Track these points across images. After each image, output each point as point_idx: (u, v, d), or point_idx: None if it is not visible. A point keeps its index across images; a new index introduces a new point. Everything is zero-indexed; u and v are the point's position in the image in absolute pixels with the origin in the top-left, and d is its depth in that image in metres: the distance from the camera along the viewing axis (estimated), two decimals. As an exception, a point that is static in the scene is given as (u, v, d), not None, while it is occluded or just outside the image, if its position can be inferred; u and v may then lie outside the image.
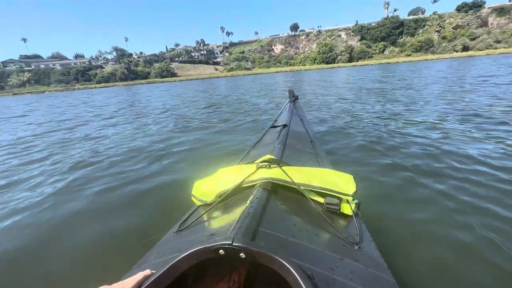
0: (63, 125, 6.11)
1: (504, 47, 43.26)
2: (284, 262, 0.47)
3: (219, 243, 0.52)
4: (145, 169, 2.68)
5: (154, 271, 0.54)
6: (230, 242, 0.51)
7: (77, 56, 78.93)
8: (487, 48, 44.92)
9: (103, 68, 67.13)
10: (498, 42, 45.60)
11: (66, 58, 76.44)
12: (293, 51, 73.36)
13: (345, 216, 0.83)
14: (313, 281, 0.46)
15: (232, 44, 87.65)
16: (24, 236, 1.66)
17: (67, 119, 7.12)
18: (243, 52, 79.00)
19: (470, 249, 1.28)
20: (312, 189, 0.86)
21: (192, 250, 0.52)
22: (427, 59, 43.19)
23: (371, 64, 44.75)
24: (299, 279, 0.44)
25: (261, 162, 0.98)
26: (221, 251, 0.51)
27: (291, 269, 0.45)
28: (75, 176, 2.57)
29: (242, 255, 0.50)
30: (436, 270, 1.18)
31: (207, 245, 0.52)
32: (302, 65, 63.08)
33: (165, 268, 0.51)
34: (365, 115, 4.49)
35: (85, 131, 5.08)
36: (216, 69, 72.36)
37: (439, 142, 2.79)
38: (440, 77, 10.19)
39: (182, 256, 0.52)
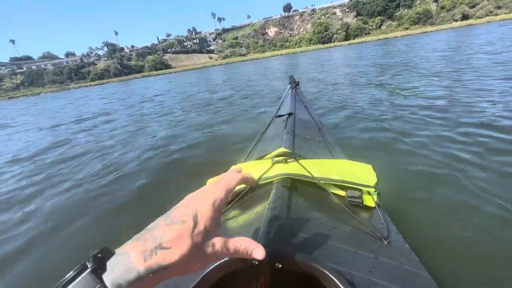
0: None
1: (505, 13, 41.82)
2: (325, 271, 0.44)
3: None
4: (144, 166, 2.68)
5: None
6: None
7: (68, 55, 77.47)
8: (487, 15, 43.45)
9: (96, 65, 66.02)
10: (499, 8, 44.08)
11: (57, 57, 75.10)
12: (288, 33, 71.45)
13: (368, 208, 0.81)
14: (355, 287, 0.44)
15: (225, 30, 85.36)
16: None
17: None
18: (236, 38, 77.09)
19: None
20: (332, 182, 0.82)
21: (221, 261, 0.48)
22: (426, 32, 42.01)
23: (368, 41, 43.66)
24: (342, 287, 0.42)
25: (276, 156, 0.94)
26: (254, 261, 0.47)
27: (333, 277, 0.43)
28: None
29: (278, 265, 0.46)
30: (467, 256, 1.14)
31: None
32: (298, 46, 61.66)
33: (194, 283, 0.48)
34: (368, 98, 4.41)
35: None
36: (211, 58, 70.95)
37: (458, 122, 2.64)
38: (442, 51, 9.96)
39: (210, 268, 0.48)
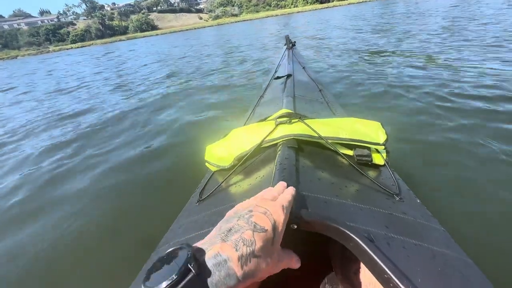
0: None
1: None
2: (342, 229, 0.44)
3: None
4: (139, 135, 2.60)
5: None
6: None
7: (42, 13, 70.32)
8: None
9: (75, 24, 60.53)
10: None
11: (30, 16, 68.07)
12: (284, -10, 65.86)
13: (377, 166, 0.79)
14: (375, 244, 0.43)
15: (215, -14, 77.87)
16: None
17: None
18: (228, -5, 70.82)
19: None
20: (340, 141, 0.80)
21: None
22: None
23: (369, 1, 40.91)
24: (362, 244, 0.42)
25: (280, 117, 0.89)
26: None
27: (351, 234, 0.43)
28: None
29: (293, 226, 0.45)
30: (478, 212, 1.16)
31: None
32: (294, 6, 57.47)
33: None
34: (369, 56, 4.28)
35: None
36: (201, 18, 65.85)
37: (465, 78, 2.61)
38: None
39: None
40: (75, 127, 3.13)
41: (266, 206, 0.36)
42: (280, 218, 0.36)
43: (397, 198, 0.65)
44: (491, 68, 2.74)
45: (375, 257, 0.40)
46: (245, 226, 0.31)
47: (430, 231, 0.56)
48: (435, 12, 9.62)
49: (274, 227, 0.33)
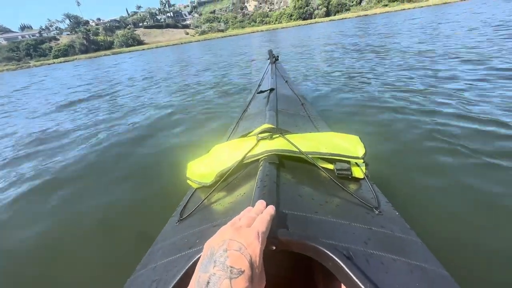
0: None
1: (477, -8, 43.10)
2: (321, 248, 0.43)
3: None
4: (122, 150, 2.53)
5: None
6: None
7: (23, 28, 68.89)
8: (461, -6, 44.60)
9: (58, 39, 59.59)
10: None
11: (10, 31, 66.48)
12: (268, 7, 68.56)
13: (357, 180, 0.80)
14: (353, 262, 0.43)
15: (201, 3, 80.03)
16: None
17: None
18: (214, 12, 72.79)
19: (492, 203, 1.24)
20: (321, 156, 0.80)
21: None
22: (404, 9, 42.46)
23: (349, 18, 43.37)
24: (340, 263, 0.41)
25: (261, 133, 0.89)
26: None
27: (330, 253, 0.42)
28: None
29: (272, 247, 0.44)
30: (451, 221, 1.19)
31: None
32: (278, 22, 59.84)
33: (181, 274, 0.45)
34: (349, 71, 4.47)
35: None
36: (187, 33, 66.80)
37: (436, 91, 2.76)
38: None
39: (198, 256, 0.46)
40: (47, 138, 3.04)
41: (241, 239, 0.36)
42: (256, 250, 0.35)
43: (376, 212, 0.66)
44: (469, 84, 2.92)
45: (354, 277, 0.39)
46: (222, 275, 0.31)
47: (408, 245, 0.57)
48: (413, 26, 10.32)
49: (251, 264, 0.33)
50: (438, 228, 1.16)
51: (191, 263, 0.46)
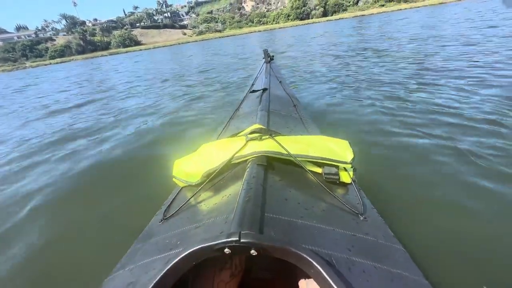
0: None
1: (472, -8, 43.49)
2: (302, 254, 0.42)
3: (223, 240, 0.44)
4: (108, 145, 2.52)
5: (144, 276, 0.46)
6: (237, 239, 0.43)
7: (19, 28, 68.31)
8: (457, -6, 45.00)
9: (54, 40, 59.16)
10: (467, -14, 45.68)
11: (5, 32, 65.91)
12: (265, 8, 68.64)
13: (344, 185, 0.80)
14: (335, 269, 0.43)
15: (198, 4, 79.88)
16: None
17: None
18: (211, 12, 72.67)
19: (475, 210, 1.24)
20: (309, 159, 0.80)
21: (191, 250, 0.44)
22: (400, 9, 42.69)
23: (346, 18, 43.54)
24: (322, 271, 0.40)
25: (251, 133, 0.88)
26: (226, 249, 0.44)
27: (312, 260, 0.42)
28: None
29: (253, 252, 0.43)
30: (436, 228, 1.19)
31: (209, 244, 0.44)
32: (276, 23, 59.90)
33: (158, 277, 0.43)
34: (343, 74, 4.46)
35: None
36: (184, 34, 66.61)
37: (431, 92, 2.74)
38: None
39: (178, 258, 0.44)
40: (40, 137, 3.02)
41: None
42: None
43: (361, 218, 0.66)
44: (461, 89, 2.90)
45: (334, 285, 0.39)
46: None
47: (390, 252, 0.57)
48: (405, 25, 10.39)
49: None
50: (421, 236, 1.15)
51: (170, 265, 0.44)
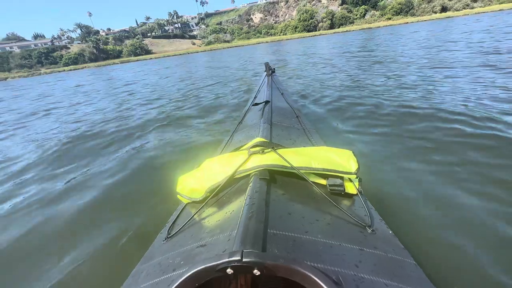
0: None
1: (480, 7, 43.67)
2: (307, 273, 0.41)
3: (225, 260, 0.42)
4: (111, 160, 2.44)
5: None
6: (239, 258, 0.42)
7: (36, 37, 71.26)
8: (464, 8, 45.18)
9: (69, 48, 61.43)
10: (475, 1, 45.87)
11: (24, 39, 68.78)
12: (273, 20, 70.13)
13: (350, 196, 0.78)
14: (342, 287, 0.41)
15: (208, 15, 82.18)
16: None
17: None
18: (220, 23, 74.63)
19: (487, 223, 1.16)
20: (313, 171, 0.78)
21: (192, 272, 0.43)
22: (407, 22, 43.02)
23: (353, 30, 44.04)
24: None
25: (253, 147, 0.88)
26: (229, 270, 0.43)
27: (317, 280, 0.40)
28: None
29: (256, 272, 0.42)
30: (447, 239, 1.12)
31: (211, 264, 0.43)
32: (283, 34, 61.02)
33: None
34: (346, 84, 4.46)
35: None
36: (194, 43, 68.35)
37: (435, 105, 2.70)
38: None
39: (180, 280, 0.44)
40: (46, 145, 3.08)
41: None
42: None
43: (369, 230, 0.63)
44: (468, 99, 2.90)
45: None
46: None
47: (401, 267, 0.54)
48: (416, 39, 10.42)
49: None
50: (435, 249, 1.07)
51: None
